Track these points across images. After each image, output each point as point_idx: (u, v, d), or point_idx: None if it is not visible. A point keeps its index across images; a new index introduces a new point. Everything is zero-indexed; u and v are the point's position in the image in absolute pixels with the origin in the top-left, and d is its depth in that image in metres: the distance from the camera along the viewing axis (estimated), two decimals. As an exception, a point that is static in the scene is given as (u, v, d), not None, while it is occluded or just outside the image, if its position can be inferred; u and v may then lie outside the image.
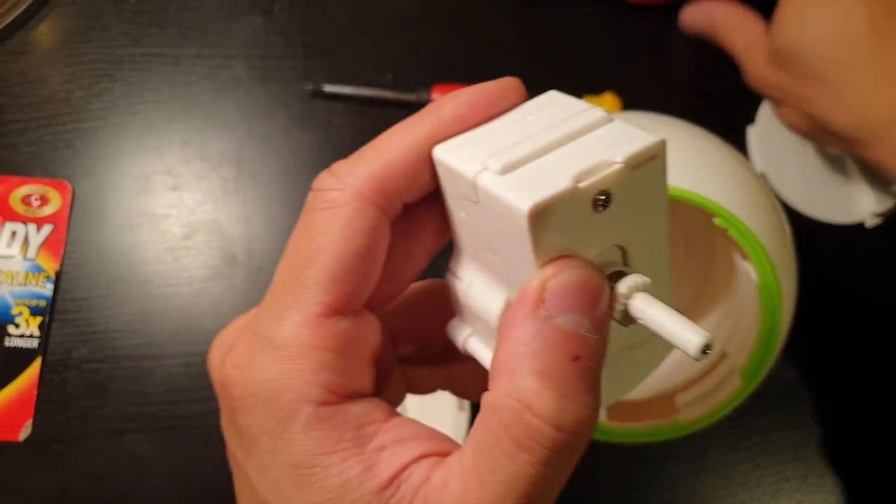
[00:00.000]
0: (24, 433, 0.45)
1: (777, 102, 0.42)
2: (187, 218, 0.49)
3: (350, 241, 0.18)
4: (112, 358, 0.46)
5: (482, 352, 0.20)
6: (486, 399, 0.17)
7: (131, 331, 0.46)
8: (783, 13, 0.38)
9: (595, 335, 0.17)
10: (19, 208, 0.47)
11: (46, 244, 0.47)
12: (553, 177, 0.16)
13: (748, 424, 0.48)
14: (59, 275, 0.47)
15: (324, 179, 0.19)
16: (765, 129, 0.52)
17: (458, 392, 0.24)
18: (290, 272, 0.18)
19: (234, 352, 0.19)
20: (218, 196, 0.49)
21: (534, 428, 0.16)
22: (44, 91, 0.50)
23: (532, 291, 0.17)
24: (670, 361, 0.42)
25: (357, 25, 0.52)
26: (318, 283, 0.18)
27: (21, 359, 0.45)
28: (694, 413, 0.37)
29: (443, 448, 0.18)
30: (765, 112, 0.52)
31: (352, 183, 0.18)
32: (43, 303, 0.46)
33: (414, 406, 0.42)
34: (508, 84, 0.19)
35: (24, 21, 0.51)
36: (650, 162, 0.17)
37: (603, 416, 0.37)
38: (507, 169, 0.17)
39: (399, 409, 0.44)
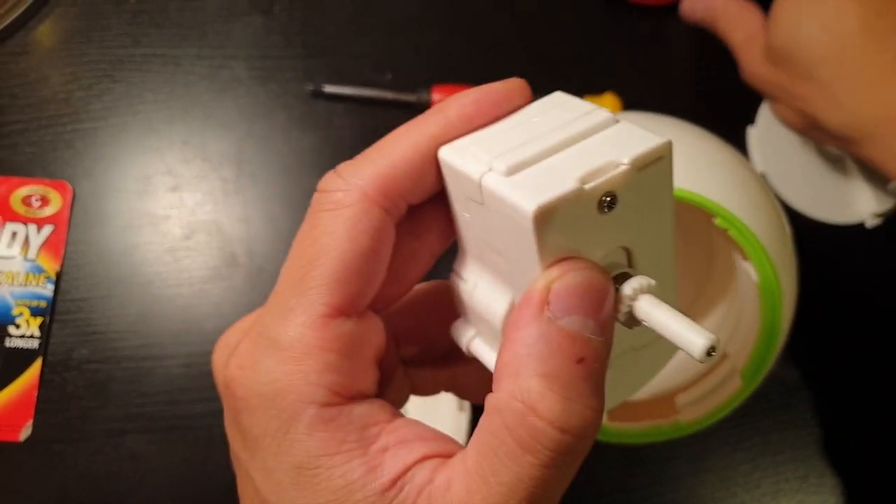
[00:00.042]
0: (24, 433, 0.45)
1: (772, 98, 0.42)
2: (187, 218, 0.49)
3: (355, 242, 0.18)
4: (112, 358, 0.46)
5: (486, 353, 0.20)
6: (490, 401, 0.17)
7: (132, 331, 0.46)
8: (778, 12, 0.38)
9: (600, 337, 0.17)
10: (20, 209, 0.47)
11: (47, 245, 0.47)
12: (559, 178, 0.16)
13: (748, 425, 0.48)
14: (59, 275, 0.47)
15: (329, 181, 0.19)
16: (765, 129, 0.52)
17: (461, 394, 0.24)
18: (294, 273, 0.18)
19: (238, 352, 0.19)
20: (218, 196, 0.49)
21: (538, 430, 0.16)
22: (44, 92, 0.50)
23: (537, 293, 0.17)
24: (671, 362, 0.42)
25: (357, 25, 0.52)
26: (322, 284, 0.18)
27: (21, 359, 0.45)
28: (694, 413, 0.37)
29: (446, 449, 0.18)
30: (765, 112, 0.52)
31: (357, 184, 0.18)
32: (43, 303, 0.46)
33: (415, 406, 0.42)
34: (514, 85, 0.19)
35: (25, 22, 0.51)
36: (656, 163, 0.17)
37: (604, 417, 0.37)
38: (513, 170, 0.17)
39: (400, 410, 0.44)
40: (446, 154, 0.19)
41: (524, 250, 0.17)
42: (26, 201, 0.48)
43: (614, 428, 0.37)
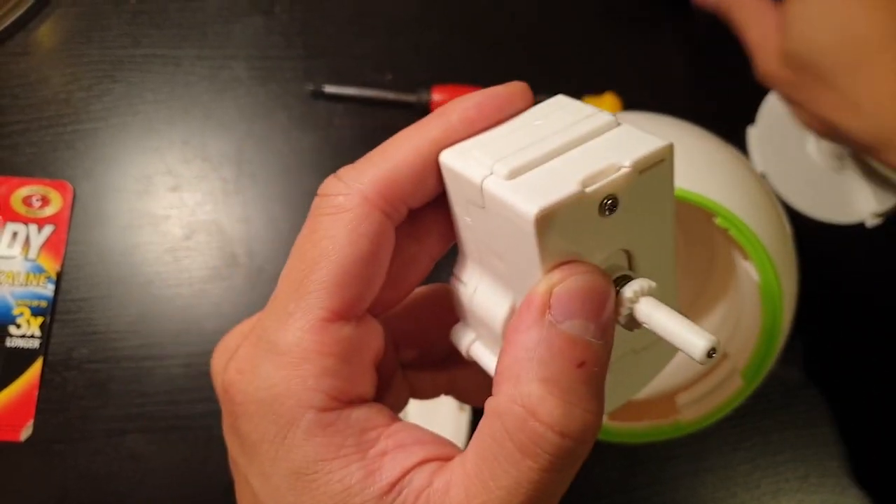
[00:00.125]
0: (25, 433, 0.45)
1: (789, 101, 0.41)
2: (188, 219, 0.49)
3: (355, 246, 0.18)
4: (113, 358, 0.46)
5: (486, 357, 0.20)
6: (491, 404, 0.17)
7: (132, 331, 0.47)
8: (793, 16, 0.37)
9: (600, 340, 0.17)
10: (20, 209, 0.48)
11: (47, 245, 0.47)
12: (560, 181, 0.16)
13: (748, 425, 0.48)
14: (59, 275, 0.47)
15: (330, 184, 0.19)
16: (765, 129, 0.52)
17: (461, 397, 0.24)
18: (294, 277, 0.18)
19: (237, 357, 0.19)
20: (218, 197, 0.49)
21: (538, 434, 0.16)
22: (44, 92, 0.50)
23: (538, 297, 0.17)
24: (671, 361, 0.42)
25: (357, 26, 0.52)
26: (321, 288, 0.18)
27: (22, 359, 0.45)
28: (694, 413, 0.37)
29: (445, 453, 0.18)
30: (765, 112, 0.52)
31: (357, 188, 0.18)
32: (44, 303, 0.46)
33: (415, 407, 0.42)
34: (516, 89, 0.19)
35: (25, 22, 0.51)
36: (657, 166, 0.17)
37: (603, 419, 0.37)
38: (514, 174, 0.17)
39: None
40: (447, 158, 0.19)
41: (525, 254, 0.17)
42: (27, 201, 0.48)
43: (614, 427, 0.37)
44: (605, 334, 0.17)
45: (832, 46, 0.36)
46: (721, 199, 0.33)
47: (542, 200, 0.16)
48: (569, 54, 0.53)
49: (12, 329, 0.46)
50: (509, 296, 0.19)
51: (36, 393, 0.45)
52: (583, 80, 0.52)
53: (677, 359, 0.42)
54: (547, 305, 0.17)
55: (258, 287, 0.48)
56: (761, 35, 0.40)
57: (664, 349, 0.22)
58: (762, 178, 0.43)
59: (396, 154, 0.19)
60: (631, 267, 0.19)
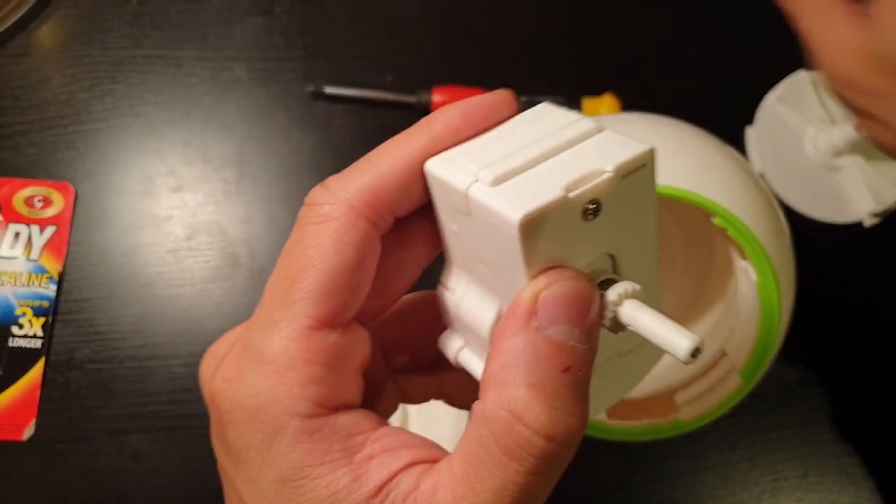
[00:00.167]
0: (27, 433, 0.45)
1: (865, 113, 0.34)
2: (189, 219, 0.49)
3: (340, 254, 0.18)
4: (115, 358, 0.46)
5: (474, 364, 0.21)
6: (477, 409, 0.17)
7: (134, 331, 0.47)
8: (885, 7, 0.31)
9: (585, 345, 0.17)
10: (22, 210, 0.48)
11: (49, 245, 0.47)
12: (544, 187, 0.17)
13: (747, 423, 0.48)
14: (62, 276, 0.47)
15: (316, 194, 0.19)
16: (763, 129, 0.52)
17: (450, 401, 0.25)
18: (280, 286, 0.18)
19: (223, 365, 0.19)
20: (219, 198, 0.49)
21: (524, 439, 0.16)
22: (45, 93, 0.50)
23: (524, 303, 0.17)
24: (670, 360, 0.42)
25: (357, 27, 0.53)
26: (307, 296, 0.18)
27: (24, 359, 0.46)
28: (693, 411, 0.37)
29: (432, 455, 0.18)
30: (763, 113, 0.52)
31: (343, 197, 0.18)
32: (46, 303, 0.46)
33: (415, 407, 0.42)
34: (501, 97, 0.20)
35: (26, 23, 0.51)
36: (640, 170, 0.17)
37: (603, 415, 0.38)
38: (499, 180, 0.17)
39: (400, 410, 0.44)
40: (433, 166, 0.19)
41: (510, 259, 0.17)
42: (29, 202, 0.48)
43: (614, 426, 0.37)
44: (589, 338, 0.17)
45: None
46: (719, 198, 0.34)
47: (527, 206, 0.16)
48: (568, 55, 0.53)
49: (15, 329, 0.46)
50: (496, 302, 0.19)
51: (38, 393, 0.45)
52: (582, 80, 0.52)
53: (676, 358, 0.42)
54: (533, 311, 0.17)
55: (259, 287, 0.48)
56: (831, 32, 0.33)
57: (649, 352, 0.22)
58: (760, 179, 0.43)
59: (382, 163, 0.19)
60: (615, 270, 0.19)
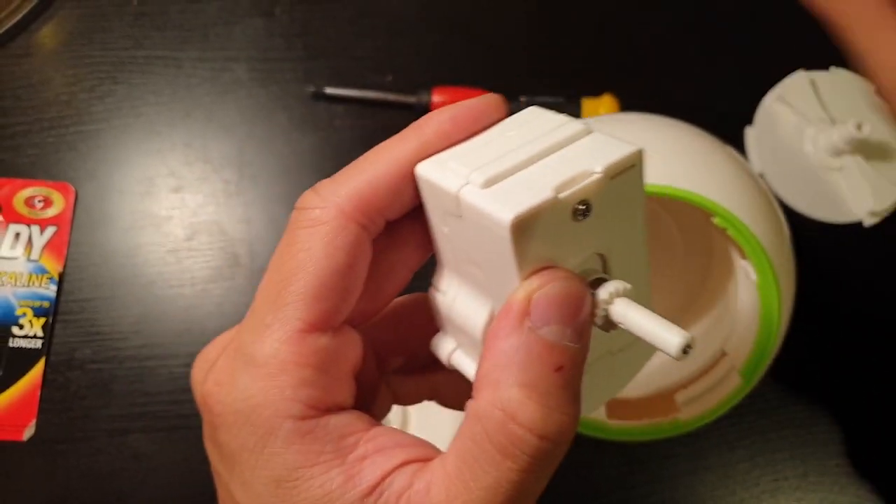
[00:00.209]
0: (27, 433, 0.45)
1: None
2: (189, 220, 0.49)
3: (331, 258, 0.18)
4: (115, 358, 0.46)
5: (467, 365, 0.21)
6: (471, 408, 0.17)
7: (134, 331, 0.47)
8: None
9: (577, 344, 0.17)
10: (23, 210, 0.48)
11: (50, 246, 0.47)
12: (534, 188, 0.17)
13: (747, 423, 0.48)
14: (62, 276, 0.47)
15: (307, 198, 0.19)
16: (763, 129, 0.52)
17: (443, 402, 0.25)
18: (271, 289, 0.19)
19: (215, 369, 0.19)
20: (220, 198, 0.49)
21: (517, 437, 0.16)
22: (47, 94, 0.50)
23: (517, 303, 0.17)
24: (669, 360, 0.42)
25: (358, 27, 0.53)
26: (298, 300, 0.18)
27: (25, 359, 0.46)
28: (693, 411, 0.37)
29: (425, 454, 0.18)
30: (763, 113, 0.52)
31: (334, 201, 0.19)
32: (46, 304, 0.47)
33: (415, 407, 0.42)
34: (490, 101, 0.20)
35: (27, 24, 0.51)
36: (628, 171, 0.18)
37: (603, 415, 0.38)
38: (490, 182, 0.17)
39: (400, 411, 0.44)
40: (424, 170, 0.19)
41: (502, 261, 0.17)
42: (29, 202, 0.48)
43: (614, 426, 0.37)
44: (581, 338, 0.17)
45: None
46: (719, 198, 0.34)
47: (517, 207, 0.16)
48: (568, 55, 0.53)
49: (15, 329, 0.46)
50: (488, 303, 0.19)
51: (38, 393, 0.45)
52: (582, 80, 0.52)
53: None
54: (526, 312, 0.17)
55: (259, 287, 0.48)
56: (886, 43, 0.31)
57: (640, 351, 0.22)
58: (760, 178, 0.43)
59: (373, 167, 0.19)
60: (605, 270, 0.19)
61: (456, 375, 0.21)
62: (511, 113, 0.20)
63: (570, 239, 0.18)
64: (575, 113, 0.50)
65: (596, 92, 0.51)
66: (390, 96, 0.50)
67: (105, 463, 0.45)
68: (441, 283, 0.21)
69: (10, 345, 0.46)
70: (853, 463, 0.48)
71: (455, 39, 0.53)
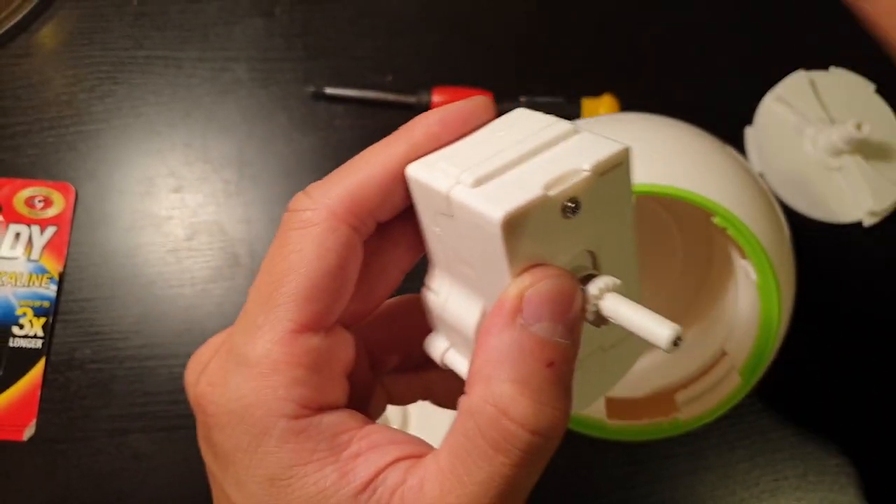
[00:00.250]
0: (27, 433, 0.45)
1: None
2: (190, 220, 0.49)
3: (322, 259, 0.18)
4: (115, 358, 0.46)
5: (460, 364, 0.21)
6: (464, 404, 0.18)
7: (134, 331, 0.47)
8: None
9: (568, 340, 0.18)
10: (23, 210, 0.48)
11: (50, 246, 0.47)
12: (524, 187, 0.17)
13: (747, 423, 0.48)
14: (62, 276, 0.47)
15: (298, 200, 0.19)
16: (762, 129, 0.52)
17: (437, 401, 0.25)
18: (263, 290, 0.19)
19: (208, 370, 0.19)
20: (220, 198, 0.49)
21: (510, 432, 0.17)
22: (47, 94, 0.50)
23: (509, 301, 0.17)
24: (669, 360, 0.42)
25: (358, 27, 0.53)
26: (290, 301, 0.18)
27: (25, 359, 0.46)
28: (693, 411, 0.37)
29: (418, 451, 0.18)
30: (762, 113, 0.53)
31: (325, 203, 0.19)
32: (47, 304, 0.47)
33: (415, 407, 0.42)
34: (479, 103, 0.20)
35: (27, 24, 0.51)
36: (616, 168, 0.18)
37: (603, 415, 0.38)
38: (480, 182, 0.18)
39: (401, 411, 0.44)
40: (414, 171, 0.19)
41: (494, 258, 0.17)
42: (29, 203, 0.48)
43: (613, 426, 0.37)
44: (572, 334, 0.18)
45: None
46: (719, 198, 0.34)
47: (508, 205, 0.17)
48: (568, 55, 0.53)
49: (15, 329, 0.46)
50: (480, 302, 0.19)
51: (39, 393, 0.45)
52: (582, 80, 0.52)
53: (676, 357, 0.42)
54: (518, 309, 0.17)
55: (259, 287, 0.48)
56: None
57: (632, 347, 0.22)
58: (760, 178, 0.43)
59: (363, 169, 0.19)
60: (595, 266, 0.19)
61: (449, 375, 0.22)
62: (504, 113, 0.20)
63: (560, 236, 0.18)
64: (575, 113, 0.50)
65: (596, 92, 0.51)
66: (390, 96, 0.50)
67: (105, 463, 0.45)
68: (433, 283, 0.21)
69: (11, 345, 0.46)
70: (853, 463, 0.48)
71: (455, 39, 0.53)
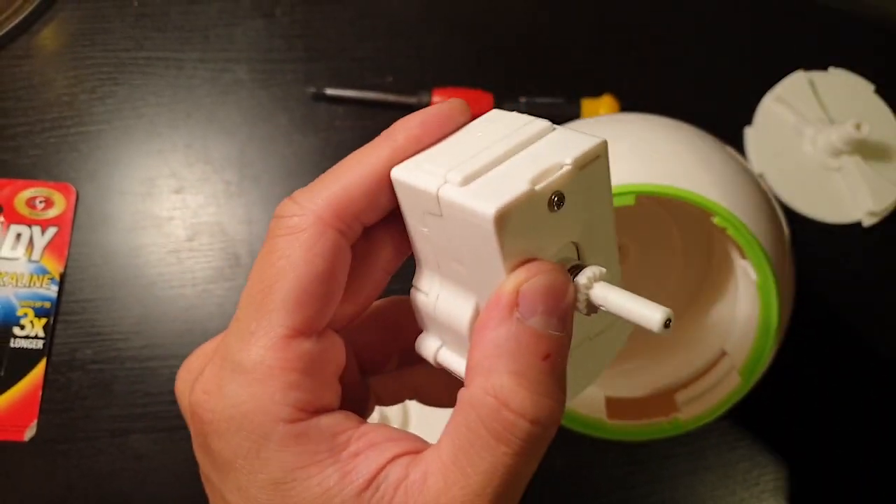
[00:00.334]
0: (28, 433, 0.45)
1: None
2: (191, 220, 0.49)
3: (311, 265, 0.19)
4: (116, 359, 0.46)
5: (454, 362, 0.21)
6: (464, 396, 0.18)
7: (135, 332, 0.47)
8: None
9: (562, 332, 0.18)
10: (24, 211, 0.48)
11: (51, 246, 0.47)
12: (511, 182, 0.18)
13: (747, 423, 0.48)
14: (63, 277, 0.47)
15: (285, 206, 0.20)
16: (762, 129, 0.52)
17: (424, 400, 0.25)
18: (254, 297, 0.19)
19: (202, 378, 0.19)
20: (221, 199, 0.49)
21: (511, 423, 0.17)
22: (48, 95, 0.51)
23: (506, 295, 0.18)
24: (669, 359, 0.42)
25: (358, 28, 0.53)
26: (281, 307, 0.19)
27: (26, 360, 0.46)
28: (693, 411, 0.37)
29: (415, 447, 0.19)
30: (762, 113, 0.53)
31: (311, 209, 0.19)
32: (48, 304, 0.47)
33: (416, 407, 0.42)
34: (456, 105, 0.21)
35: (28, 25, 0.51)
36: (595, 161, 0.19)
37: (603, 415, 0.38)
38: (468, 180, 0.18)
39: (401, 410, 0.44)
40: (399, 173, 0.19)
41: (486, 254, 0.18)
42: (30, 203, 0.48)
43: (613, 425, 0.38)
44: (565, 325, 0.18)
45: None
46: (719, 198, 0.34)
47: (498, 201, 0.17)
48: (567, 56, 0.53)
49: (16, 330, 0.46)
50: (472, 298, 0.20)
51: (40, 393, 0.45)
52: (581, 80, 0.52)
53: (676, 357, 0.42)
54: (514, 304, 0.18)
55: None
56: None
57: (615, 334, 0.23)
58: (760, 178, 0.43)
59: (348, 174, 0.19)
60: (579, 257, 0.20)
61: (435, 374, 0.22)
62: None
63: (548, 229, 0.18)
64: (575, 113, 0.50)
65: (596, 92, 0.51)
66: (391, 97, 0.50)
67: (106, 463, 0.45)
68: (422, 284, 0.21)
69: (12, 345, 0.46)
70: (853, 462, 0.48)
71: (455, 40, 0.53)
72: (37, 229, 0.48)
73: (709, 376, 0.38)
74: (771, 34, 0.55)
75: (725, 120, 0.51)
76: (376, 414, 0.42)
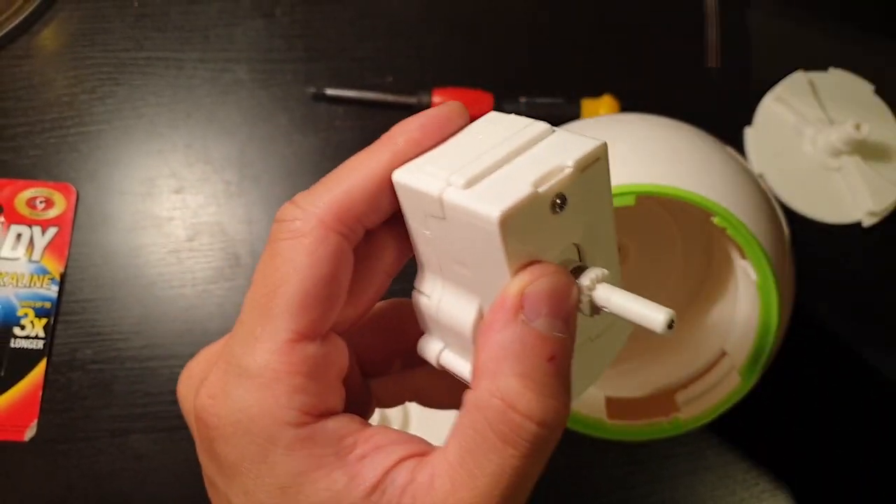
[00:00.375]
0: (29, 433, 0.45)
1: None
2: (191, 220, 0.49)
3: (314, 268, 0.19)
4: (117, 359, 0.46)
5: (457, 364, 0.21)
6: (470, 399, 0.18)
7: (136, 332, 0.47)
8: None
9: (566, 334, 0.18)
10: (24, 211, 0.48)
11: (51, 246, 0.47)
12: (514, 185, 0.18)
13: (747, 423, 0.48)
14: (63, 277, 0.47)
15: (286, 210, 0.19)
16: (762, 130, 0.52)
17: (424, 402, 0.25)
18: (258, 301, 0.19)
19: (207, 383, 0.19)
20: (221, 199, 0.49)
21: (517, 424, 0.17)
22: (48, 95, 0.51)
23: (511, 298, 0.18)
24: (670, 359, 0.42)
25: (358, 29, 0.53)
26: (285, 311, 0.19)
27: (26, 360, 0.46)
28: (693, 411, 0.37)
29: (421, 449, 0.19)
30: (762, 113, 0.53)
31: (313, 212, 0.19)
32: (48, 304, 0.47)
33: (416, 407, 0.42)
34: (454, 108, 0.21)
35: (28, 25, 0.51)
36: (595, 164, 0.19)
37: (603, 415, 0.38)
38: (471, 182, 0.18)
39: (402, 411, 0.44)
40: (401, 176, 0.19)
41: (490, 257, 0.18)
42: (31, 203, 0.48)
43: (614, 425, 0.38)
44: (569, 327, 0.18)
45: None
46: (719, 198, 0.34)
47: (503, 203, 0.17)
48: (568, 56, 0.53)
49: (17, 330, 0.46)
50: (475, 301, 0.20)
51: (40, 393, 0.45)
52: (581, 81, 0.52)
53: (676, 357, 0.42)
54: (519, 306, 0.18)
55: (260, 288, 0.48)
56: None
57: (616, 335, 0.23)
58: (760, 179, 0.43)
59: (349, 178, 0.19)
60: (581, 258, 0.20)
61: (436, 376, 0.22)
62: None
63: (551, 231, 0.18)
64: (575, 113, 0.50)
65: (596, 92, 0.51)
66: (391, 97, 0.50)
67: (106, 463, 0.45)
68: (424, 287, 0.21)
69: (12, 345, 0.46)
70: (853, 462, 0.48)
71: (455, 40, 0.53)
72: (37, 229, 0.48)
73: (709, 376, 0.38)
74: (771, 34, 0.55)
75: (725, 120, 0.51)
76: (376, 415, 0.42)
